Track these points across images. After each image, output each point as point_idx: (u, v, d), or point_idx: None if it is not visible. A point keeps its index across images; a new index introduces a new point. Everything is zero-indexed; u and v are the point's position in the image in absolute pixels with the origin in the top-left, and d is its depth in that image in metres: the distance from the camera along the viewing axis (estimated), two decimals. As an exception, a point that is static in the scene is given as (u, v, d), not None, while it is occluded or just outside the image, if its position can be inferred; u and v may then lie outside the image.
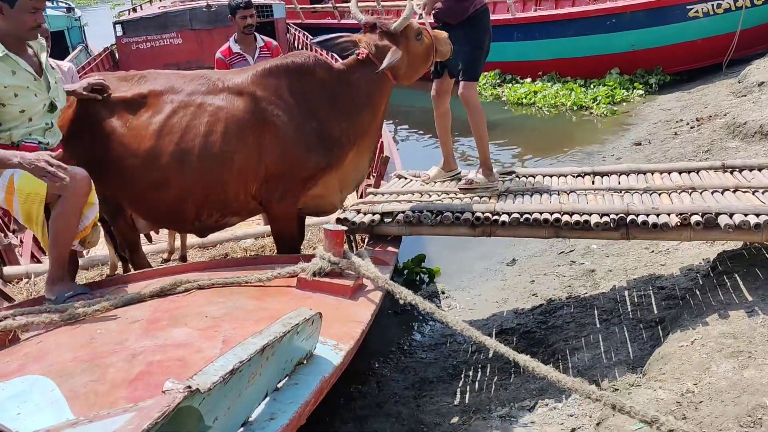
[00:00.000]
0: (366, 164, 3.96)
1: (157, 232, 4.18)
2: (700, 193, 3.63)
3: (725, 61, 9.78)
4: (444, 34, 3.96)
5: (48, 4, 15.19)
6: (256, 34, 5.28)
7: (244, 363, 1.67)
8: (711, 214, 3.26)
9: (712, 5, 9.68)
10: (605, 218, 3.39)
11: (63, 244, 3.07)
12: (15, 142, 3.08)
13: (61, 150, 3.14)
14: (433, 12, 4.15)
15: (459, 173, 4.46)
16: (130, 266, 3.78)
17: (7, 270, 4.36)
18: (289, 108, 3.49)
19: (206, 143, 3.37)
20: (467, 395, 3.69)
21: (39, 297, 3.15)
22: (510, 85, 11.02)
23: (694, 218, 3.27)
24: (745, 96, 8.04)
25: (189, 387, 1.43)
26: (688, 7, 9.77)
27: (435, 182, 4.33)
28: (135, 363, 2.22)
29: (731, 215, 3.24)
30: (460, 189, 4.07)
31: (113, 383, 2.11)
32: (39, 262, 4.95)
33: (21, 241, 5.06)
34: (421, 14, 4.02)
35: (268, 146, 3.46)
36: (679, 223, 3.28)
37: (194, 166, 3.37)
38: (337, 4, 15.44)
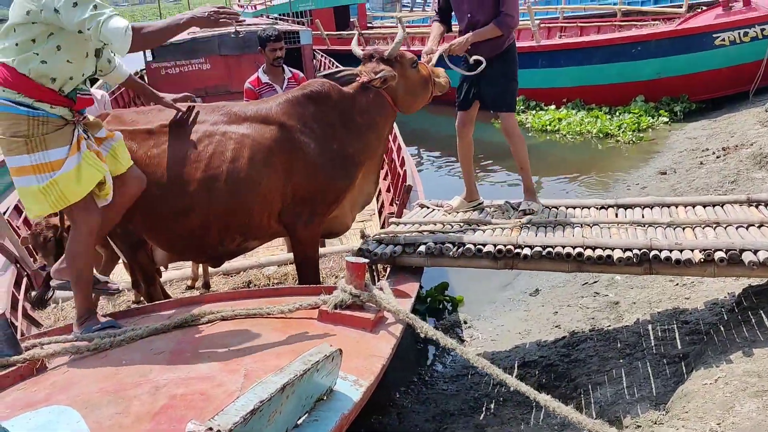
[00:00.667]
0: (372, 187, 4.13)
1: (166, 268, 4.25)
2: (725, 228, 3.59)
3: (752, 90, 9.72)
4: (441, 69, 4.18)
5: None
6: (284, 66, 5.40)
7: (264, 402, 1.70)
8: (735, 250, 3.23)
9: (739, 33, 9.64)
10: (628, 253, 3.37)
11: (86, 284, 3.09)
12: (67, 94, 2.90)
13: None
14: (468, 49, 4.18)
15: (481, 203, 4.50)
16: (144, 298, 3.83)
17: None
18: (314, 133, 3.64)
19: (233, 169, 3.46)
20: (488, 429, 3.67)
21: (67, 326, 3.21)
22: (534, 111, 11.03)
23: (718, 254, 3.24)
24: (772, 125, 7.98)
25: (210, 429, 1.45)
26: (714, 35, 9.76)
27: (457, 212, 4.36)
28: (159, 396, 2.26)
29: (755, 252, 3.21)
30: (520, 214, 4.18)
31: (137, 416, 2.15)
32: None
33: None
34: (441, 55, 4.14)
35: (296, 171, 3.57)
36: (702, 259, 3.26)
37: (221, 192, 3.44)
38: (363, 31, 15.67)
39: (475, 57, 4.13)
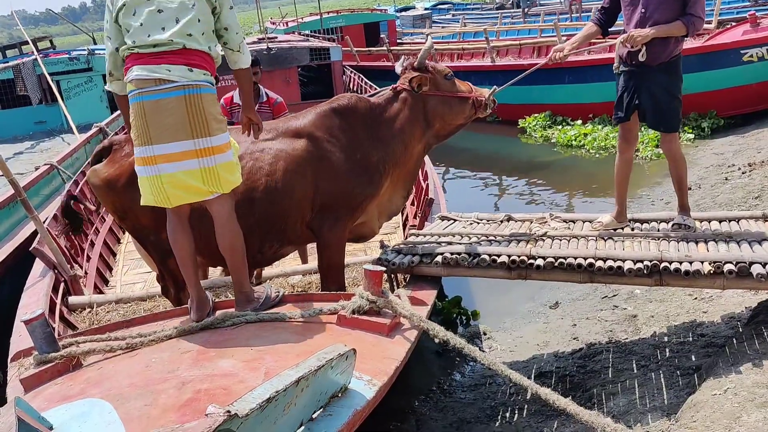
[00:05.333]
0: (399, 200, 4.25)
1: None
2: (737, 243, 3.66)
3: (781, 106, 9.67)
4: (486, 90, 4.16)
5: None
6: (262, 89, 5.35)
7: (280, 393, 1.84)
8: (744, 263, 3.31)
9: (767, 50, 9.61)
10: (639, 265, 3.46)
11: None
12: None
13: None
14: (630, 52, 3.99)
15: (628, 224, 4.32)
16: (176, 305, 3.99)
17: (72, 300, 4.64)
18: (339, 143, 3.86)
19: (271, 180, 3.70)
20: (504, 436, 3.77)
21: (102, 326, 3.40)
22: (560, 127, 11.10)
23: (727, 267, 3.32)
24: (800, 142, 7.95)
25: (228, 411, 1.60)
26: (742, 51, 9.72)
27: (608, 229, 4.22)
28: (184, 390, 2.42)
29: (764, 264, 3.28)
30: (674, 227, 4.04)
31: (164, 408, 2.31)
32: (101, 292, 5.26)
33: (85, 273, 5.39)
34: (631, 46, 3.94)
35: (322, 178, 3.79)
36: (711, 271, 3.34)
37: (262, 201, 3.67)
38: (392, 48, 15.89)
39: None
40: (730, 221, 4.09)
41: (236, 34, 3.09)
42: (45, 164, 7.56)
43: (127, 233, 6.62)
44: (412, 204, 6.33)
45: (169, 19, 2.93)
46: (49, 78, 11.64)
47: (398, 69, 4.24)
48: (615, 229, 4.20)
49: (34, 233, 5.27)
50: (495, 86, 4.22)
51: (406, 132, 4.02)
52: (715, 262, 3.36)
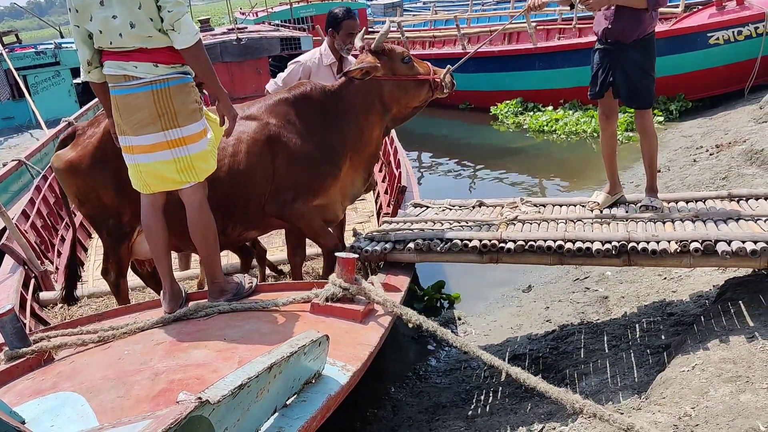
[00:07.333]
0: (361, 182, 4.26)
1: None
2: (704, 222, 3.74)
3: (747, 88, 9.79)
4: (443, 70, 4.17)
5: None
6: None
7: (252, 379, 1.85)
8: (710, 241, 3.37)
9: (733, 32, 9.74)
10: (607, 246, 3.52)
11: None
12: None
13: None
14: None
15: (623, 195, 4.45)
16: (113, 289, 3.99)
17: (43, 295, 4.60)
18: (295, 128, 3.90)
19: (233, 162, 3.74)
20: (478, 419, 3.80)
21: (73, 320, 3.37)
22: (532, 113, 11.17)
23: (693, 245, 3.38)
24: (766, 122, 8.08)
25: (200, 398, 1.61)
26: (708, 34, 9.86)
27: (601, 209, 4.30)
28: (157, 381, 2.42)
29: (729, 242, 3.35)
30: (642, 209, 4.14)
31: (137, 399, 2.31)
32: (73, 287, 5.20)
33: (56, 268, 5.33)
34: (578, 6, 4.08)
35: (279, 163, 3.83)
36: (678, 250, 3.40)
37: (224, 181, 3.67)
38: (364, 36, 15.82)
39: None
40: (696, 201, 4.16)
41: (168, 12, 2.90)
42: (13, 160, 7.46)
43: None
44: (386, 192, 6.34)
45: (124, 24, 2.91)
46: (15, 73, 11.44)
47: (357, 43, 4.26)
48: (611, 206, 4.28)
49: (3, 229, 5.21)
50: (449, 65, 4.24)
51: (362, 119, 4.02)
52: (681, 241, 3.43)
